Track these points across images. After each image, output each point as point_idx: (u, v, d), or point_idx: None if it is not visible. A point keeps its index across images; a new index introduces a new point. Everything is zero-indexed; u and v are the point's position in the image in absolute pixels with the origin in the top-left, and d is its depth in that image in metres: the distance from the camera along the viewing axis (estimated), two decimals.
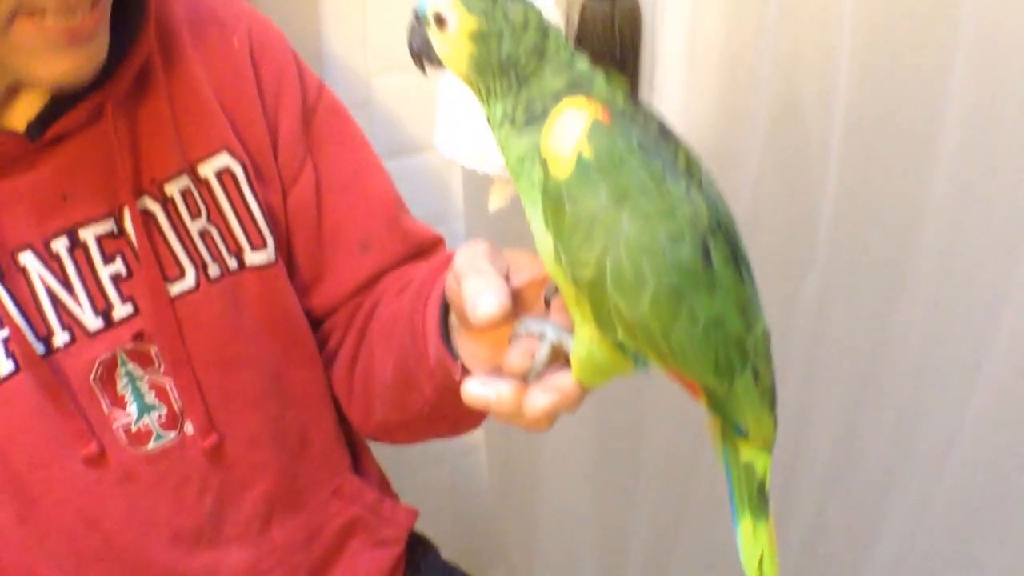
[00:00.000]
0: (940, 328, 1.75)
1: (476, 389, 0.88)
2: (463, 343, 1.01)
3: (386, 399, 1.20)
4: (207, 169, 1.15)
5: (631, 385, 1.81)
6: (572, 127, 0.78)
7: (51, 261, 1.07)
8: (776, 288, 1.76)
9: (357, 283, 1.27)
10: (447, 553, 1.46)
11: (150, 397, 1.11)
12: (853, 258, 1.76)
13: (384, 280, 1.26)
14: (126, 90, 1.08)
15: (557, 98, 0.82)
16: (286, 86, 1.23)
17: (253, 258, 1.18)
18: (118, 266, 1.10)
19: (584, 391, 0.87)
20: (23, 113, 1.04)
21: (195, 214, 1.14)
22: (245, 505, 1.19)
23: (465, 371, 1.00)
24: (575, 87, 0.82)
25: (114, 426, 1.09)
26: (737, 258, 0.82)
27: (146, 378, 1.11)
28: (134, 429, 1.10)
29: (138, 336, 1.10)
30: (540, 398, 0.85)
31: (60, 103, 1.04)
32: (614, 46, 1.54)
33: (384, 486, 1.38)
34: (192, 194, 1.14)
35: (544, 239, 0.82)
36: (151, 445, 1.11)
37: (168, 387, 1.12)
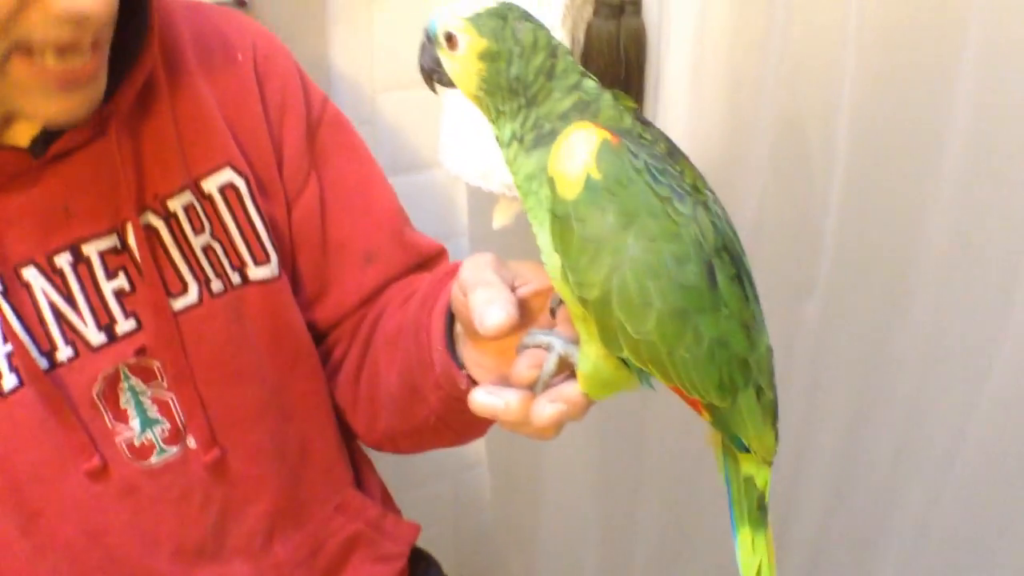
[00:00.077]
0: (942, 345, 1.74)
1: (484, 399, 0.89)
2: (468, 353, 1.02)
3: (391, 409, 1.20)
4: (210, 184, 1.15)
5: (633, 402, 1.82)
6: (581, 148, 0.79)
7: (54, 276, 1.07)
8: (779, 304, 1.76)
9: (362, 295, 1.27)
10: (448, 568, 1.46)
11: (153, 412, 1.11)
12: (856, 275, 1.76)
13: (388, 291, 1.27)
14: (130, 106, 1.08)
15: (565, 118, 0.83)
16: (290, 100, 1.23)
17: (256, 273, 1.18)
18: (121, 281, 1.10)
19: (590, 400, 0.88)
20: (26, 130, 1.03)
21: (198, 229, 1.14)
22: (247, 520, 1.19)
23: (470, 380, 1.01)
24: (583, 107, 0.83)
25: (117, 440, 1.09)
26: (741, 276, 0.83)
27: (149, 393, 1.11)
28: (137, 443, 1.10)
29: (141, 351, 1.10)
30: (548, 408, 0.87)
31: None
32: (619, 65, 1.54)
33: (386, 501, 1.38)
34: (195, 209, 1.14)
35: (551, 257, 0.83)
36: (153, 459, 1.11)
37: (171, 402, 1.12)
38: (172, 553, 1.13)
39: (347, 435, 1.32)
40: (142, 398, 1.11)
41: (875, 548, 1.96)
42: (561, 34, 1.47)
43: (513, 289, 0.91)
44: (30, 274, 1.06)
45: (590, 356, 0.86)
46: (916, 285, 1.74)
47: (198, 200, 1.14)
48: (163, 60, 1.13)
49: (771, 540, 0.91)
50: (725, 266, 0.81)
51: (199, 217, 1.14)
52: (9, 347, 1.03)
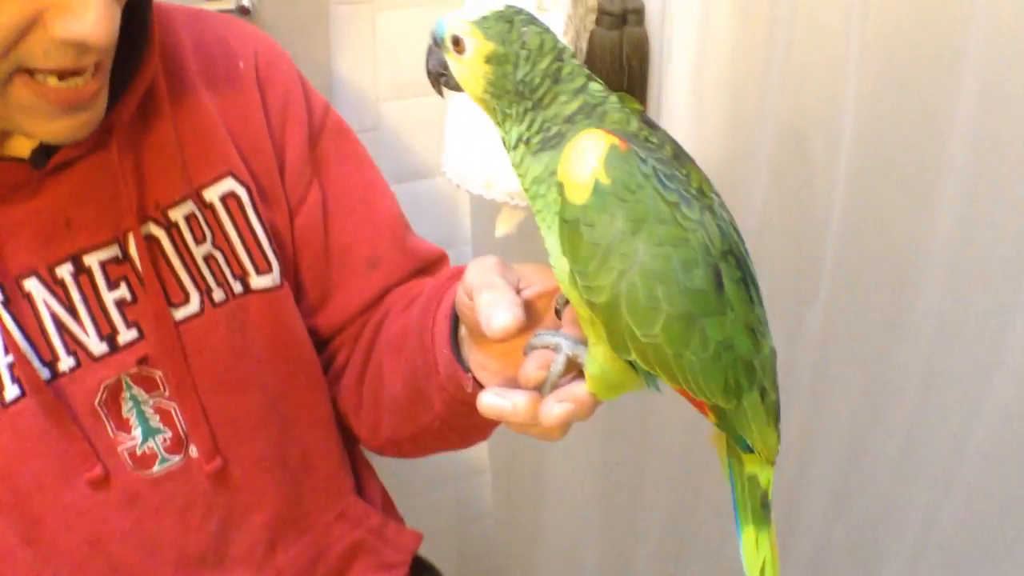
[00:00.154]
0: (944, 352, 1.74)
1: (492, 400, 0.90)
2: (473, 356, 1.03)
3: (395, 413, 1.20)
4: (212, 194, 1.15)
5: (636, 410, 1.82)
6: (590, 154, 0.80)
7: (56, 287, 1.06)
8: (783, 312, 1.76)
9: (365, 301, 1.27)
10: None
11: (155, 421, 1.11)
12: (859, 282, 1.77)
13: (390, 295, 1.27)
14: (131, 117, 1.08)
15: (571, 121, 0.83)
16: (292, 107, 1.23)
17: (258, 282, 1.18)
18: (123, 291, 1.10)
19: (598, 400, 0.89)
20: (27, 141, 1.03)
21: (200, 239, 1.14)
22: (249, 528, 1.19)
23: (475, 383, 1.02)
24: (589, 110, 0.84)
25: (119, 449, 1.09)
26: (746, 279, 0.83)
27: (151, 402, 1.11)
28: (139, 452, 1.10)
29: (143, 361, 1.10)
30: (556, 407, 0.87)
31: None
32: (622, 74, 1.55)
33: (388, 509, 1.38)
34: (197, 219, 1.14)
35: (560, 260, 0.83)
36: (156, 468, 1.11)
37: (173, 411, 1.12)
38: (174, 562, 1.13)
39: (348, 442, 1.32)
40: (144, 407, 1.11)
41: (877, 554, 1.96)
42: (563, 42, 1.47)
43: (518, 291, 0.92)
44: (31, 285, 1.05)
45: (597, 358, 0.86)
46: (919, 292, 1.74)
47: (199, 209, 1.14)
48: (164, 70, 1.13)
49: (774, 539, 0.92)
50: (731, 270, 0.81)
51: (200, 226, 1.14)
52: (11, 358, 1.03)
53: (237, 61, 1.20)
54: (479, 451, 2.08)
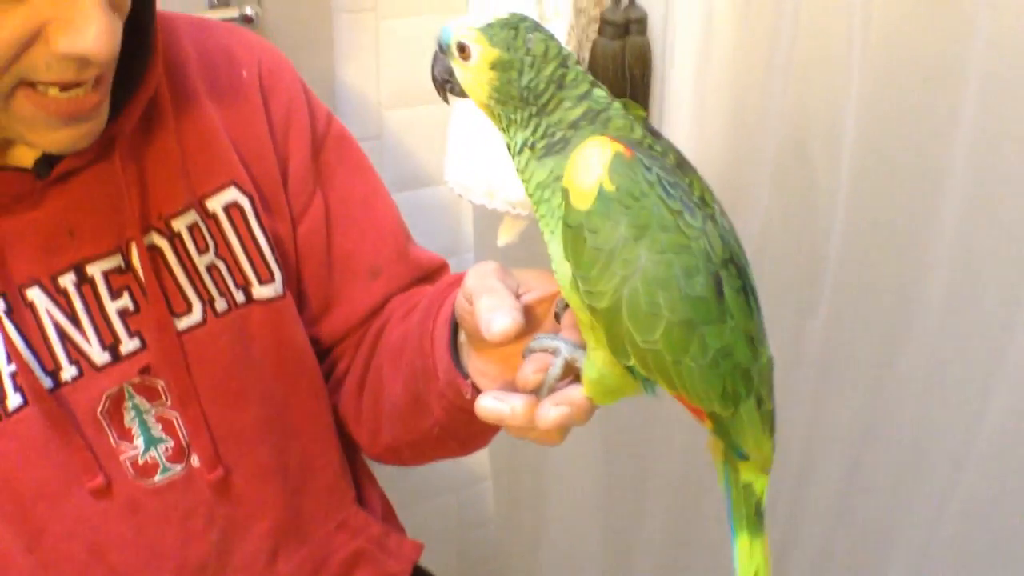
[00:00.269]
0: (946, 362, 1.74)
1: (490, 404, 0.90)
2: (472, 362, 1.03)
3: (395, 420, 1.20)
4: (215, 203, 1.15)
5: (637, 418, 1.82)
6: (595, 160, 0.80)
7: (58, 296, 1.07)
8: (783, 322, 1.76)
9: (367, 310, 1.27)
10: None
11: (157, 430, 1.11)
12: (860, 292, 1.76)
13: (391, 303, 1.27)
14: (134, 127, 1.08)
15: (575, 127, 0.84)
16: (295, 116, 1.24)
17: (261, 292, 1.18)
18: (125, 301, 1.10)
19: (595, 405, 0.89)
20: (30, 151, 1.04)
21: (202, 249, 1.14)
22: (251, 538, 1.18)
23: (474, 389, 1.02)
24: (593, 116, 0.84)
25: (121, 459, 1.09)
26: (746, 288, 0.84)
27: (153, 411, 1.11)
28: (141, 462, 1.10)
29: (145, 370, 1.10)
30: (552, 411, 0.87)
31: None
32: (624, 84, 1.55)
33: (389, 518, 1.38)
34: (200, 229, 1.14)
35: (562, 265, 0.84)
36: (158, 478, 1.11)
37: (175, 420, 1.12)
38: (175, 571, 1.13)
39: (349, 452, 1.32)
40: (146, 417, 1.11)
41: (880, 563, 1.96)
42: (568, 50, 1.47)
43: (517, 296, 0.92)
44: (34, 294, 1.06)
45: (596, 363, 0.87)
46: (922, 297, 1.74)
47: (202, 219, 1.14)
48: (167, 79, 1.13)
49: (767, 546, 0.93)
50: (732, 278, 0.82)
51: (203, 236, 1.14)
52: (13, 367, 1.03)
53: (240, 70, 1.20)
54: (480, 458, 2.08)
